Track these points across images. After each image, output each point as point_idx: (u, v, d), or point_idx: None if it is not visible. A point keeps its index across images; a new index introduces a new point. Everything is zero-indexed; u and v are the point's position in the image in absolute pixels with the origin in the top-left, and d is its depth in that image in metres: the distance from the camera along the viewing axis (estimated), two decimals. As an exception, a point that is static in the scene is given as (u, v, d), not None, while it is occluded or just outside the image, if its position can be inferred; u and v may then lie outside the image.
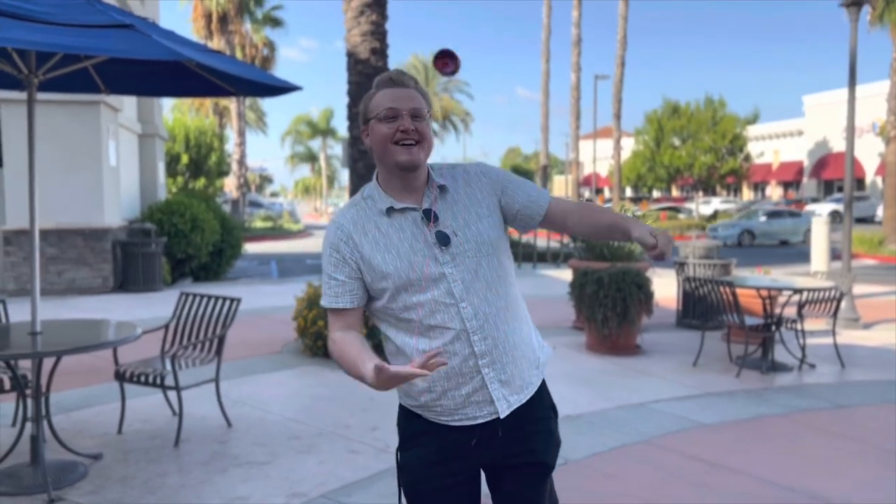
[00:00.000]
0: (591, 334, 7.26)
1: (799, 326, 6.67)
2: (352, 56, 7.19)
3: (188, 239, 12.63)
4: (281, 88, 4.16)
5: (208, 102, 43.12)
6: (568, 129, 37.85)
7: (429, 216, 1.89)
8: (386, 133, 1.87)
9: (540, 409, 2.00)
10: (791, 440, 4.74)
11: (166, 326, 5.01)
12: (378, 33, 7.06)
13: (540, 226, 2.04)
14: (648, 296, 7.03)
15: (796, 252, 21.61)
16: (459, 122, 53.93)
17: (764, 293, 6.60)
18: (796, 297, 6.83)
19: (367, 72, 6.84)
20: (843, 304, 8.14)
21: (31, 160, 3.74)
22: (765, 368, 6.46)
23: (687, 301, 8.54)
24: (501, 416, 1.90)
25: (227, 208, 27.17)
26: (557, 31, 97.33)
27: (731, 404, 5.51)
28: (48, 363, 4.15)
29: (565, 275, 13.28)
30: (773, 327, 6.54)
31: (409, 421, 1.98)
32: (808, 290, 6.53)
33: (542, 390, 2.03)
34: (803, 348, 6.70)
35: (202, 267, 13.53)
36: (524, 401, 1.95)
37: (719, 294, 6.55)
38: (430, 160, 2.00)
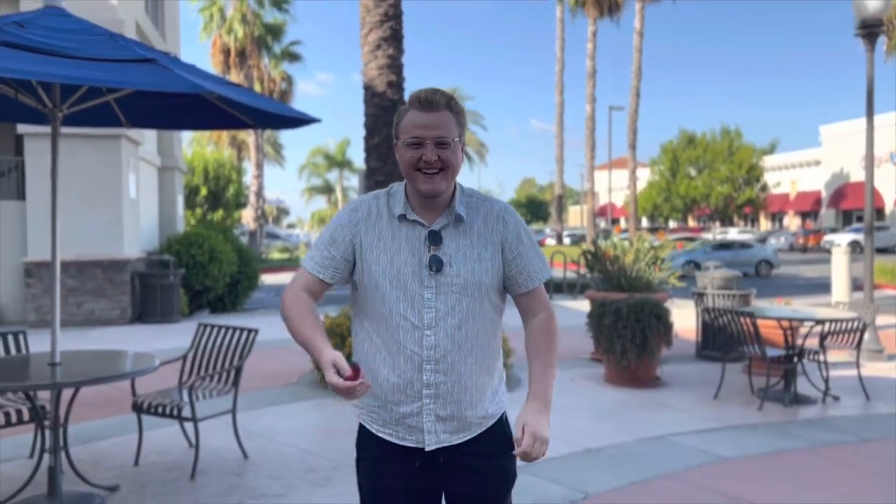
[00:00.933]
0: (609, 366, 7.19)
1: (822, 358, 6.56)
2: (368, 89, 7.27)
3: (206, 270, 12.71)
4: (299, 120, 4.20)
5: (226, 135, 43.73)
6: (583, 159, 37.93)
7: (433, 239, 1.92)
8: (410, 159, 1.88)
9: (488, 445, 2.01)
10: (816, 475, 4.64)
11: (184, 357, 5.01)
12: (394, 67, 7.14)
13: (512, 296, 2.05)
14: (668, 327, 6.96)
15: (817, 283, 21.37)
16: (474, 153, 54.22)
17: (785, 324, 6.52)
18: (818, 328, 6.72)
19: (383, 104, 6.91)
20: (867, 335, 8.01)
21: (53, 193, 3.79)
22: (787, 401, 6.35)
23: (706, 332, 8.44)
24: (426, 449, 1.94)
25: (244, 240, 27.38)
26: (571, 63, 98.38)
27: (754, 438, 5.41)
28: (66, 394, 4.16)
29: (582, 305, 13.20)
30: (796, 359, 6.45)
31: (361, 437, 2.07)
32: (831, 320, 6.44)
33: (493, 429, 2.03)
34: (827, 380, 6.58)
35: (219, 298, 13.59)
36: (458, 442, 1.97)
37: (740, 325, 6.47)
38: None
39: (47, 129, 10.71)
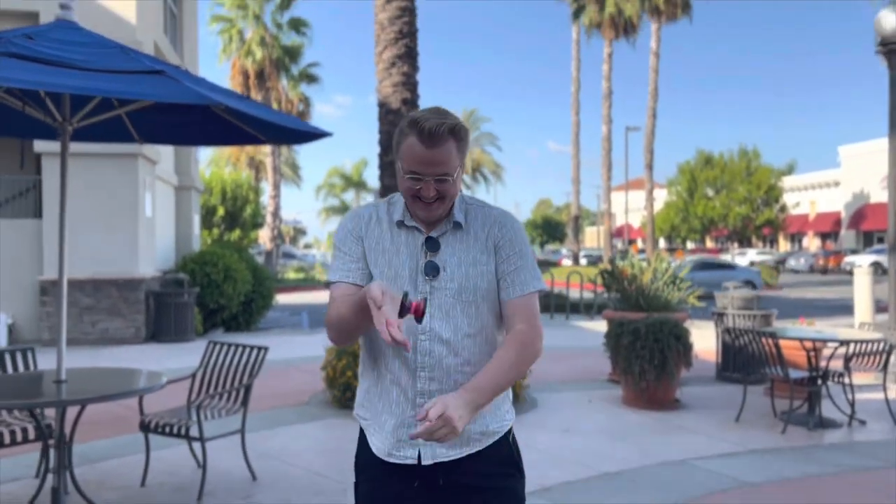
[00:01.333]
0: (627, 388, 7.03)
1: (847, 380, 6.37)
2: (383, 106, 7.24)
3: (220, 289, 12.69)
4: (310, 134, 4.15)
5: (244, 156, 44.10)
6: (599, 180, 37.80)
7: (430, 245, 1.90)
8: (408, 188, 1.86)
9: (490, 465, 1.92)
10: (843, 501, 4.46)
11: (193, 376, 4.93)
12: (409, 84, 7.10)
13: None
14: (687, 347, 6.81)
15: (838, 304, 21.03)
16: (490, 173, 54.27)
17: (808, 345, 6.35)
18: (843, 350, 6.54)
19: (397, 122, 6.86)
20: (893, 357, 7.80)
21: (62, 210, 3.74)
22: (812, 424, 6.16)
23: (727, 353, 8.26)
24: (423, 463, 1.86)
25: (260, 259, 27.44)
26: (587, 83, 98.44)
27: (778, 462, 5.23)
28: (73, 412, 4.08)
29: (600, 326, 13.02)
30: (820, 381, 6.26)
31: (360, 453, 1.98)
32: (856, 341, 6.26)
33: (497, 448, 1.94)
34: (852, 404, 6.39)
35: (234, 317, 13.56)
36: (456, 458, 1.88)
37: (761, 346, 6.30)
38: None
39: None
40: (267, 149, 33.04)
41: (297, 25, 32.70)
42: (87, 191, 10.88)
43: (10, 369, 4.49)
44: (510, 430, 1.98)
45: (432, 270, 1.87)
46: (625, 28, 34.03)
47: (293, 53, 33.05)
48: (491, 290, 1.89)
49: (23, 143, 11.17)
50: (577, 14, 35.37)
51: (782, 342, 6.36)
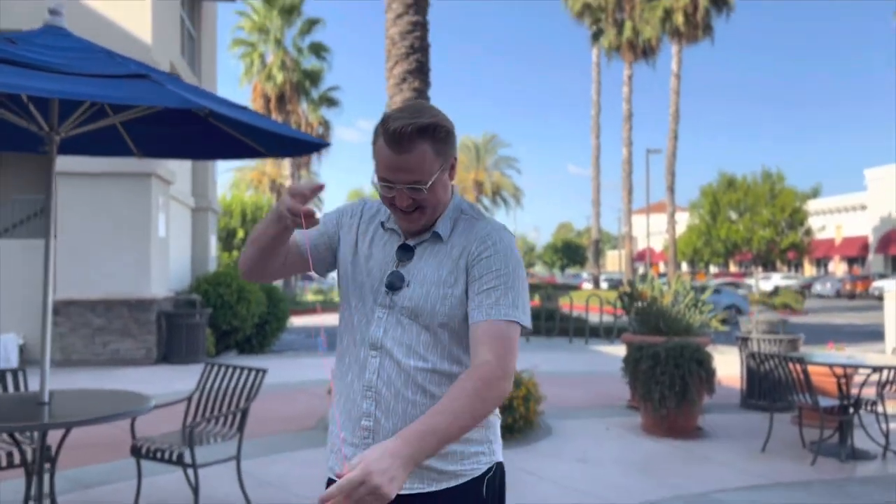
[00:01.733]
0: (647, 414, 6.72)
1: (880, 409, 6.03)
2: (394, 123, 7.06)
3: (233, 310, 12.54)
4: (309, 144, 3.98)
5: (266, 179, 44.34)
6: (620, 203, 37.48)
7: (402, 254, 1.69)
8: (384, 199, 1.66)
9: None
10: (881, 541, 4.13)
11: (189, 399, 4.73)
12: (420, 100, 6.94)
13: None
14: (710, 373, 6.50)
15: (867, 330, 20.45)
16: (510, 196, 54.11)
17: (839, 371, 6.01)
18: (876, 377, 6.19)
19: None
20: (928, 384, 7.41)
21: (47, 223, 3.58)
22: (844, 456, 5.81)
23: (752, 379, 7.92)
24: None
25: (278, 282, 27.39)
26: (607, 106, 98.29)
27: (807, 496, 4.90)
28: (57, 436, 3.89)
29: (619, 350, 12.69)
30: (851, 410, 5.92)
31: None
32: (889, 368, 5.92)
33: (461, 495, 1.64)
34: (886, 434, 6.03)
35: (247, 339, 13.39)
36: (407, 493, 1.61)
37: (789, 371, 5.98)
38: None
39: (79, 167, 10.66)
40: (287, 171, 33.18)
41: (318, 50, 32.98)
42: (99, 210, 10.82)
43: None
44: (488, 475, 1.68)
45: (394, 283, 1.65)
46: (644, 50, 33.90)
47: (313, 77, 33.29)
48: (454, 317, 1.62)
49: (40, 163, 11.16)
50: (595, 37, 35.33)
51: (811, 368, 6.04)
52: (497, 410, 1.74)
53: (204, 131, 4.38)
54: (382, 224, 1.75)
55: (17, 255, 10.95)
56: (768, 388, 6.77)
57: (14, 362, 10.47)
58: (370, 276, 1.69)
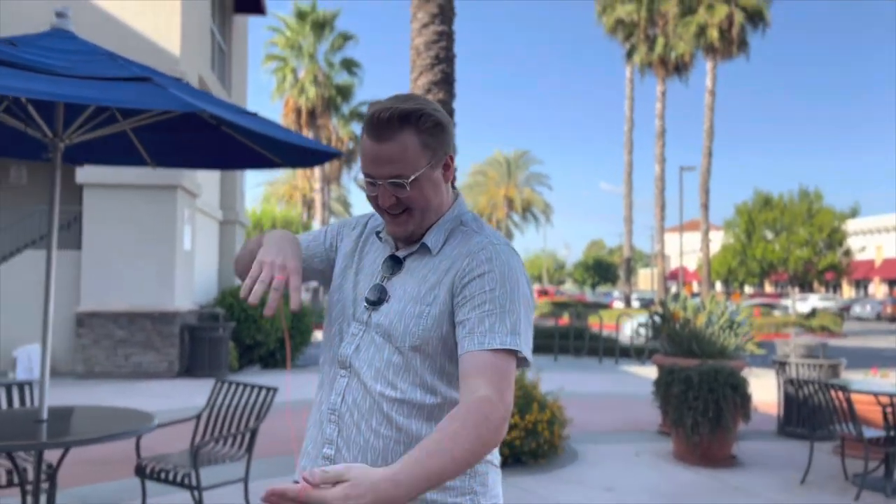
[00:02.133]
0: (678, 441, 6.40)
1: (930, 441, 5.64)
2: (419, 135, 6.89)
3: (257, 324, 12.44)
4: (321, 154, 3.82)
5: (297, 194, 44.62)
6: (652, 221, 36.95)
7: (389, 267, 1.50)
8: (370, 199, 1.47)
9: None
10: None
11: (198, 417, 4.56)
12: (445, 111, 6.77)
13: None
14: (745, 399, 6.17)
15: (909, 354, 19.72)
16: (540, 213, 53.78)
17: (885, 400, 5.65)
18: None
19: (432, 150, 6.53)
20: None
21: (49, 231, 3.43)
22: (890, 490, 5.44)
23: (789, 406, 7.55)
24: None
25: (307, 296, 27.36)
26: (640, 122, 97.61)
27: (853, 535, 4.56)
28: (57, 454, 3.74)
29: (649, 372, 12.33)
30: (899, 441, 5.55)
31: None
32: (940, 397, 5.54)
33: None
34: (937, 468, 5.64)
35: (271, 354, 13.26)
36: None
37: (830, 399, 5.64)
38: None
39: (104, 179, 10.66)
40: (317, 185, 33.29)
41: (349, 65, 33.13)
42: (124, 222, 10.81)
43: (5, 405, 4.19)
44: None
45: (375, 296, 1.47)
46: (677, 66, 33.50)
47: (345, 93, 33.44)
48: (428, 339, 1.40)
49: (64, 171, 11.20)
50: (629, 53, 35.01)
51: (854, 396, 5.69)
52: (496, 458, 1.52)
53: (218, 141, 4.25)
54: (378, 234, 1.58)
55: (43, 265, 10.96)
56: (808, 415, 6.42)
57: (37, 373, 10.44)
58: (355, 288, 1.53)
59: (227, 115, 2.93)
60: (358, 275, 1.55)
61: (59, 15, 3.43)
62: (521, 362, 1.37)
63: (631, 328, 18.33)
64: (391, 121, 1.37)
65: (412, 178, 1.40)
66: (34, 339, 10.57)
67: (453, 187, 1.56)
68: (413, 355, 1.41)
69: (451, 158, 1.49)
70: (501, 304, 1.36)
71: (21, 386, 4.38)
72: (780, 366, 7.78)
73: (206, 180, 13.55)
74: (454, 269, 1.43)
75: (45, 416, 3.51)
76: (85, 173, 10.68)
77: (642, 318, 22.37)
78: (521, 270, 1.44)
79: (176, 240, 11.09)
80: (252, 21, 19.54)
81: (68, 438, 3.41)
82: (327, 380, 1.51)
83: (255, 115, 3.55)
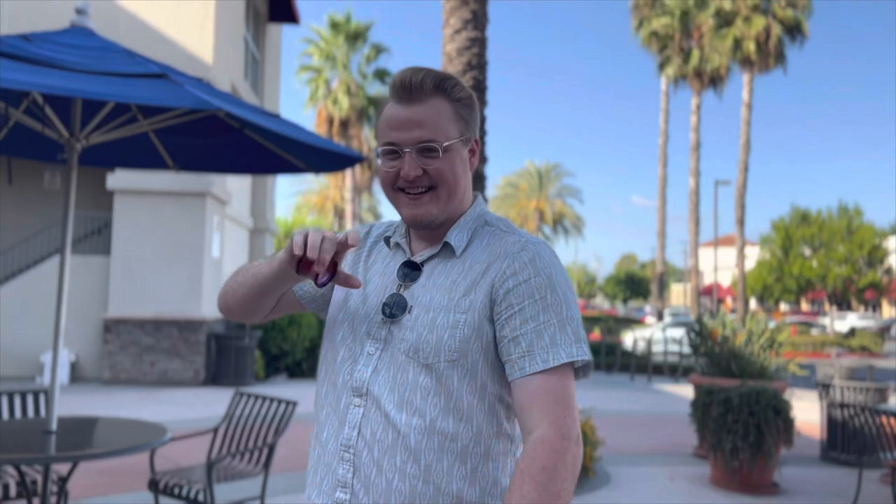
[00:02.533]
0: (716, 466, 6.10)
1: None
2: (449, 143, 6.72)
3: (284, 334, 12.34)
4: (344, 157, 3.67)
5: (329, 203, 44.82)
6: (686, 235, 36.36)
7: (407, 273, 1.31)
8: (386, 175, 1.29)
9: None
10: None
11: (215, 430, 4.41)
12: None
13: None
14: (788, 423, 5.86)
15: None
16: (571, 226, 53.33)
17: (940, 428, 5.30)
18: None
19: (463, 158, 6.35)
20: None
21: (63, 242, 3.30)
22: (946, 525, 5.09)
23: (833, 430, 7.18)
24: None
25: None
26: (673, 135, 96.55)
27: (908, 574, 4.24)
28: (66, 466, 3.60)
29: (684, 391, 11.98)
30: (956, 473, 5.19)
31: None
32: None
33: None
34: None
35: (297, 363, 13.16)
36: None
37: (880, 425, 5.31)
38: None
39: (134, 185, 10.66)
40: (348, 194, 33.35)
41: (382, 76, 33.22)
42: (153, 229, 10.80)
43: (18, 413, 4.08)
44: None
45: (395, 308, 1.27)
46: (712, 79, 33.01)
47: (377, 103, 33.48)
48: (466, 354, 1.22)
49: (95, 175, 11.24)
50: (662, 66, 34.61)
51: (907, 423, 5.35)
52: None
53: (241, 144, 4.12)
54: (388, 240, 1.39)
55: (74, 271, 11.00)
56: (854, 441, 6.08)
57: (64, 378, 10.46)
58: (366, 302, 1.33)
59: (246, 115, 2.77)
60: (366, 288, 1.35)
61: (79, 12, 3.32)
62: (584, 370, 1.24)
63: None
64: (424, 83, 1.24)
65: (446, 145, 1.24)
66: (62, 343, 10.59)
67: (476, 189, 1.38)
68: (449, 373, 1.21)
69: (477, 143, 1.34)
70: (557, 311, 1.21)
71: (36, 394, 4.27)
72: (824, 388, 7.43)
73: (237, 188, 13.53)
74: (491, 271, 1.25)
75: (54, 427, 3.37)
76: (116, 179, 10.70)
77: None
78: (565, 270, 1.29)
79: (204, 247, 11.05)
80: (286, 30, 19.59)
81: (76, 452, 3.26)
82: (333, 411, 1.30)
83: (276, 116, 3.39)
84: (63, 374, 10.46)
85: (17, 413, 4.17)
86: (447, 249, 1.30)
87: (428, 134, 1.24)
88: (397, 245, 1.37)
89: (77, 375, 10.84)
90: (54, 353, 3.42)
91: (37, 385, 9.96)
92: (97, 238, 11.72)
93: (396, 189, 1.28)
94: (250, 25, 14.66)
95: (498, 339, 1.23)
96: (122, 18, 10.47)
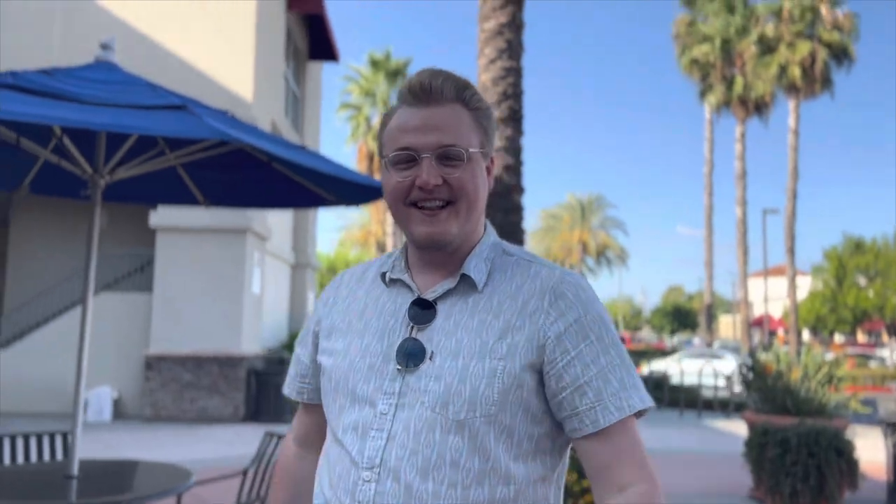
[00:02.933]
0: (774, 510, 5.73)
1: None
2: (486, 174, 6.59)
3: (324, 370, 12.25)
4: (375, 189, 3.56)
5: (372, 238, 45.12)
6: (734, 266, 35.52)
7: (418, 313, 1.10)
8: (397, 186, 1.11)
9: None
10: None
11: (244, 472, 4.26)
12: (512, 149, 6.44)
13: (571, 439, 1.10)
14: (852, 465, 5.49)
15: None
16: (615, 257, 52.65)
17: None
18: None
19: (498, 189, 6.19)
20: None
21: (85, 280, 3.22)
22: None
23: (901, 472, 6.73)
24: None
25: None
26: (718, 163, 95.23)
27: None
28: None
29: (737, 427, 11.48)
30: None
31: None
32: None
33: None
34: None
35: (337, 400, 13.04)
36: None
37: (955, 469, 4.92)
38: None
39: (175, 222, 10.75)
40: (389, 228, 33.49)
41: (421, 111, 33.57)
42: (193, 266, 10.86)
43: (36, 457, 3.99)
44: None
45: (412, 355, 1.08)
46: (756, 106, 32.46)
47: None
48: (505, 408, 1.04)
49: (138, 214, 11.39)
50: (703, 94, 34.20)
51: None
52: None
53: (270, 179, 4.04)
54: (384, 276, 1.19)
55: (116, 308, 11.10)
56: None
57: (107, 415, 10.50)
58: (366, 354, 1.12)
59: (269, 147, 2.67)
60: (364, 337, 1.14)
61: (104, 47, 3.29)
62: (643, 410, 1.09)
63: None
64: (444, 88, 1.10)
65: (469, 152, 1.10)
66: (105, 381, 10.65)
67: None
68: (486, 430, 1.04)
69: (493, 161, 1.19)
70: (617, 351, 1.08)
71: (65, 435, 4.18)
72: (889, 427, 6.98)
73: (278, 223, 13.60)
74: (529, 310, 1.08)
75: (75, 471, 3.26)
76: (158, 217, 10.82)
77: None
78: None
79: (244, 283, 11.06)
80: (326, 68, 19.88)
81: (96, 500, 3.15)
82: (342, 483, 1.08)
83: (302, 147, 3.30)
84: (106, 412, 10.50)
85: (46, 454, 4.09)
86: (466, 284, 1.12)
87: (450, 138, 1.09)
88: (396, 282, 1.17)
89: (120, 412, 10.87)
90: (76, 395, 3.33)
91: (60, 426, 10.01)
92: (140, 275, 11.83)
93: (408, 204, 1.11)
94: (290, 63, 14.87)
95: (554, 390, 1.06)
96: (162, 57, 10.68)
